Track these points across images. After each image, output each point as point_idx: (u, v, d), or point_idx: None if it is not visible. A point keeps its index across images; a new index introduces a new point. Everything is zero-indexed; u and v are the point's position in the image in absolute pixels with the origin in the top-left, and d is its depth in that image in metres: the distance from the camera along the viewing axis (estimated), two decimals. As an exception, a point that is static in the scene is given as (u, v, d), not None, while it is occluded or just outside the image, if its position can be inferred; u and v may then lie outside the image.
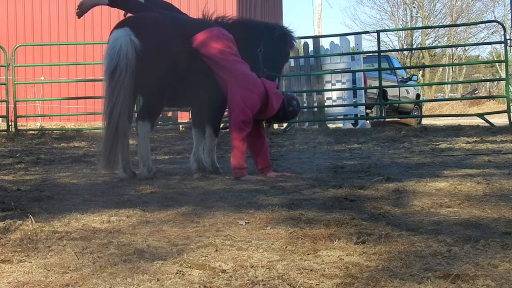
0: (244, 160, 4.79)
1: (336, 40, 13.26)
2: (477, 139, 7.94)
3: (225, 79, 4.93)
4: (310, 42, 13.21)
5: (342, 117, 13.31)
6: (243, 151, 4.80)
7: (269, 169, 4.97)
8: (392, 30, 45.37)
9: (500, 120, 13.31)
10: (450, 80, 42.45)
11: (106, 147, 4.65)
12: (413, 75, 19.32)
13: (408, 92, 18.38)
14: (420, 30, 40.77)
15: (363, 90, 13.38)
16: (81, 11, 5.30)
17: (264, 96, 4.86)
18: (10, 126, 12.00)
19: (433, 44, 42.24)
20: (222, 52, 4.91)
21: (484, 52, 66.27)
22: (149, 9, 5.16)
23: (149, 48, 4.72)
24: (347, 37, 13.28)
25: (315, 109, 13.01)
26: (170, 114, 13.66)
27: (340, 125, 13.92)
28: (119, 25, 4.86)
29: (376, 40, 12.69)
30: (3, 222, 2.89)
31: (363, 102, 13.26)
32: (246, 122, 4.79)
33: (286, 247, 2.45)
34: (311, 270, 2.11)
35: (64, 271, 2.18)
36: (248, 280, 2.03)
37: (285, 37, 5.43)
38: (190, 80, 5.03)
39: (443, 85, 45.47)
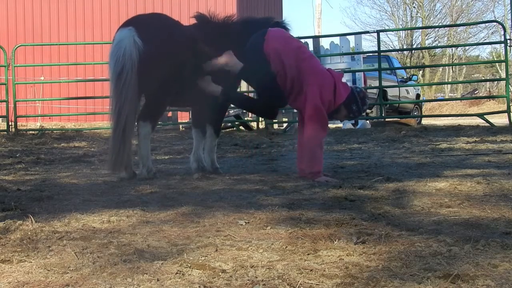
0: (319, 162, 4.66)
1: (336, 40, 13.26)
2: (477, 139, 7.93)
3: (305, 81, 4.82)
4: (310, 42, 13.20)
5: (342, 117, 13.28)
6: (316, 154, 4.68)
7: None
8: (392, 30, 45.38)
9: (500, 120, 13.31)
10: (450, 80, 42.44)
11: (114, 148, 4.64)
12: (413, 75, 19.34)
13: (408, 92, 18.39)
14: (420, 30, 40.76)
15: (363, 90, 13.36)
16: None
17: (334, 86, 4.81)
18: (10, 126, 12.00)
19: (433, 44, 42.26)
20: (296, 55, 4.85)
21: (484, 52, 66.29)
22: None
23: (151, 50, 4.71)
24: (347, 37, 13.28)
25: (315, 109, 12.96)
26: (170, 114, 13.65)
27: (340, 125, 13.90)
28: (125, 24, 4.85)
29: (376, 40, 12.69)
30: (3, 222, 2.89)
31: (363, 102, 13.24)
32: (324, 123, 4.75)
33: (286, 247, 2.45)
34: (311, 270, 2.12)
35: (64, 271, 2.18)
36: (248, 280, 2.03)
37: None
38: (192, 81, 5.02)
39: (443, 85, 45.44)
